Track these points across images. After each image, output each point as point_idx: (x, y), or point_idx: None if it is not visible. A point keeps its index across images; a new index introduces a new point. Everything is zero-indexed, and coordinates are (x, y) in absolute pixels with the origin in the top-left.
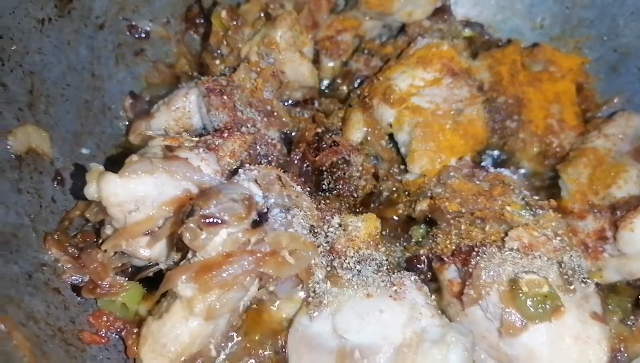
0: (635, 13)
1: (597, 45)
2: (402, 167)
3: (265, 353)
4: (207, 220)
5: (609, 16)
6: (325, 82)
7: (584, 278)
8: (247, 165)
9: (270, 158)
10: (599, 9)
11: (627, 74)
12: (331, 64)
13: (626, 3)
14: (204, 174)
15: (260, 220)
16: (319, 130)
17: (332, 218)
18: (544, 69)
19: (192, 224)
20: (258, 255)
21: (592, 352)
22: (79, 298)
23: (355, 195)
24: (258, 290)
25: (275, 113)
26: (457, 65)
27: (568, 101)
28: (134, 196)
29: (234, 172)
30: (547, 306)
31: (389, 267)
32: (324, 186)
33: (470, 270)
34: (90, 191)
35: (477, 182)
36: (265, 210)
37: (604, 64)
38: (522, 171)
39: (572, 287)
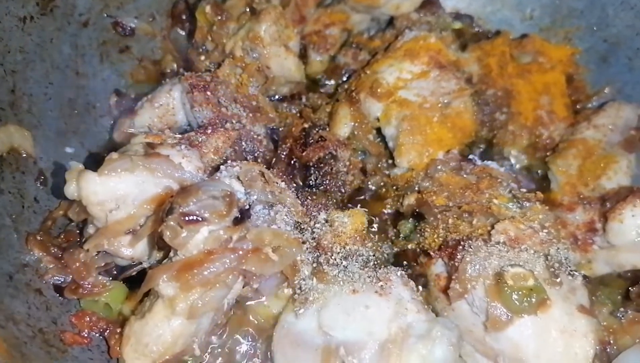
0: (625, 3)
1: (587, 35)
2: (390, 161)
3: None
4: (187, 218)
5: (599, 6)
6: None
7: (570, 270)
8: (229, 161)
9: (256, 154)
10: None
11: (618, 64)
12: (319, 58)
13: None
14: (185, 171)
15: (242, 217)
16: (306, 125)
17: (319, 213)
18: (533, 60)
19: (172, 223)
20: (240, 252)
21: (578, 345)
22: (61, 299)
23: (343, 190)
24: (243, 287)
25: (261, 109)
26: (444, 57)
27: (558, 92)
28: (114, 194)
29: (218, 169)
30: (533, 299)
31: (375, 262)
32: (311, 181)
33: (457, 264)
34: (70, 190)
35: (465, 175)
36: (247, 207)
37: (594, 54)
38: (512, 163)
39: (558, 280)
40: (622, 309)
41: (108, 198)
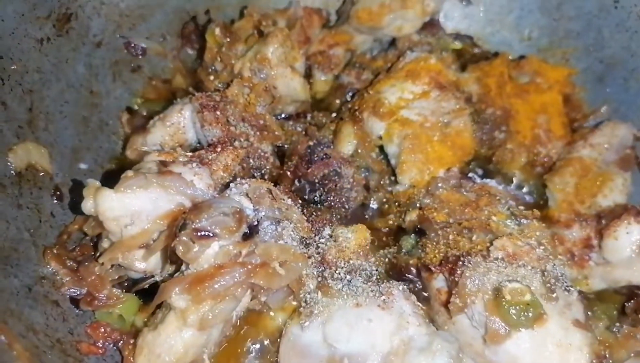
0: (620, 25)
1: (583, 56)
2: (393, 178)
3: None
4: (199, 233)
5: (595, 28)
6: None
7: (567, 286)
8: (238, 179)
9: (263, 171)
10: (585, 21)
11: (613, 84)
12: (323, 78)
13: (611, 15)
14: (197, 189)
15: (250, 233)
16: (311, 143)
17: (323, 229)
18: (531, 80)
19: (184, 238)
20: (249, 266)
21: (574, 358)
22: (77, 310)
23: (347, 206)
24: (250, 300)
25: (268, 127)
26: (444, 78)
27: (555, 111)
28: (130, 210)
29: (227, 186)
30: (530, 314)
31: (378, 277)
32: (315, 198)
33: (457, 279)
34: (88, 206)
35: (465, 193)
36: (256, 223)
37: (591, 74)
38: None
39: (554, 295)
40: (617, 324)
41: (123, 213)
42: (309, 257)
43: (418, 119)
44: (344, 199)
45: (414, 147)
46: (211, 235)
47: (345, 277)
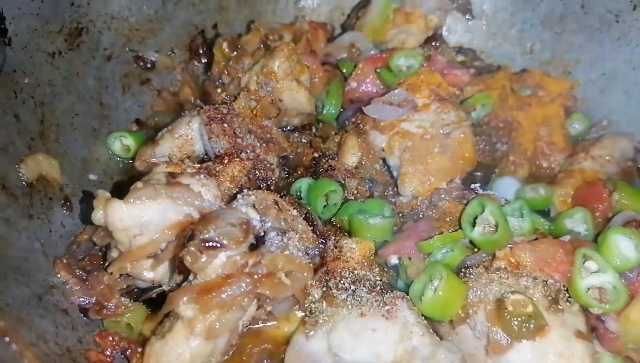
0: (622, 38)
1: (585, 69)
2: (396, 190)
3: None
4: (207, 244)
5: (597, 41)
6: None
7: (568, 297)
8: (245, 190)
9: (269, 182)
10: (587, 35)
11: (615, 97)
12: None
13: (613, 28)
14: (205, 200)
15: (257, 243)
16: (316, 155)
17: (328, 239)
18: (533, 93)
19: (192, 248)
20: (255, 276)
21: None
22: (86, 319)
23: None
24: (256, 310)
25: (274, 139)
26: (444, 90)
27: (557, 123)
28: (139, 221)
29: (234, 197)
30: (532, 325)
31: (382, 287)
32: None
33: None
34: (97, 216)
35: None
36: (262, 233)
37: (592, 87)
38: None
39: (556, 306)
40: None
41: (132, 224)
42: (315, 268)
43: (418, 131)
44: None
45: (414, 159)
46: (219, 245)
47: (350, 287)
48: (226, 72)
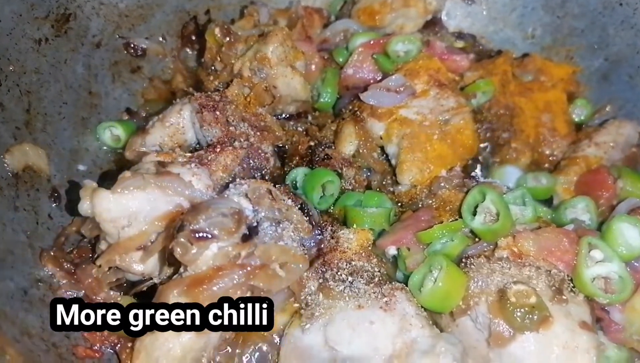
0: (625, 22)
1: (588, 54)
2: (394, 179)
3: None
4: (197, 235)
5: (599, 25)
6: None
7: (573, 287)
8: (237, 179)
9: (263, 172)
10: (590, 19)
11: (618, 82)
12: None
13: (616, 12)
14: (196, 189)
15: (250, 234)
16: (312, 143)
17: (325, 230)
18: (535, 78)
19: (182, 239)
20: (248, 268)
21: (580, 361)
22: None
23: None
24: None
25: (269, 127)
26: (443, 76)
27: (559, 109)
28: (127, 211)
29: (226, 186)
30: (535, 316)
31: (380, 279)
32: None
33: None
34: (84, 207)
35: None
36: (255, 224)
37: (595, 72)
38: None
39: (561, 296)
40: None
41: (120, 215)
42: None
43: (417, 118)
44: None
45: (412, 146)
46: (209, 236)
47: (347, 279)
48: (219, 59)
